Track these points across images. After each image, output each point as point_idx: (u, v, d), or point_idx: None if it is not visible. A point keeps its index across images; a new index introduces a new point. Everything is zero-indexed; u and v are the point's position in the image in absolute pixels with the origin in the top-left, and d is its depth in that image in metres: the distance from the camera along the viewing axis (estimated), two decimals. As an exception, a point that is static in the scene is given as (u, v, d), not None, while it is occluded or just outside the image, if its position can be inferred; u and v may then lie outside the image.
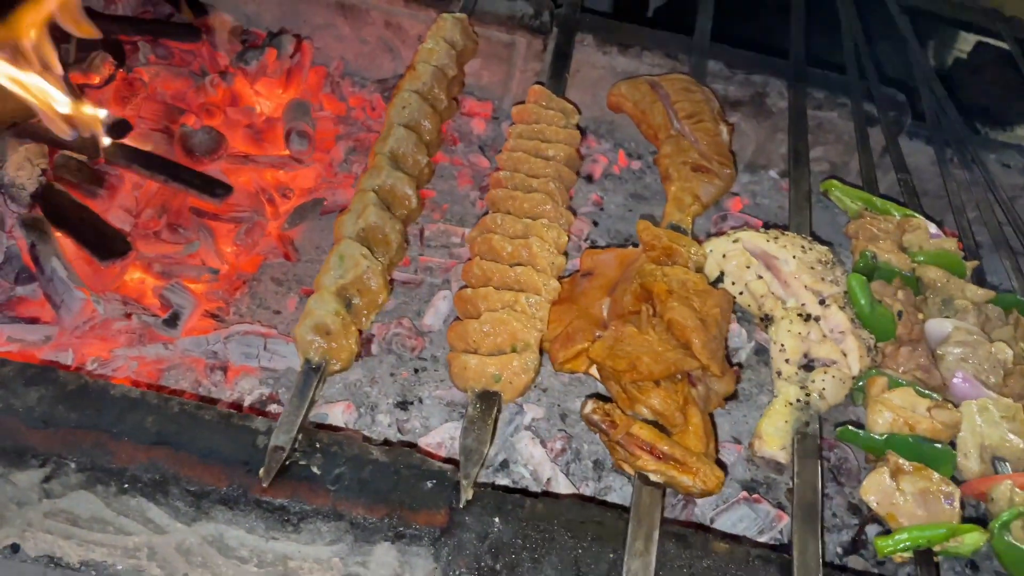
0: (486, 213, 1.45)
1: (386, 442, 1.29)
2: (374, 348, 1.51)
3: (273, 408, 1.39)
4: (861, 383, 1.33)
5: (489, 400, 1.16)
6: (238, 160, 1.64)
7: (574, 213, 1.49)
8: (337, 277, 1.19)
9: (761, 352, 1.68)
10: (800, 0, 2.22)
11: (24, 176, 1.37)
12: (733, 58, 2.02)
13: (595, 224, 1.90)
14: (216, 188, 1.52)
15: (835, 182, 1.68)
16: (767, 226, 1.92)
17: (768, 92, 2.01)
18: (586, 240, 1.82)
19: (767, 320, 1.40)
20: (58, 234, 1.36)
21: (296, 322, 1.26)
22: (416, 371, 1.51)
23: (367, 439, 1.21)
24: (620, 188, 2.04)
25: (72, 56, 1.53)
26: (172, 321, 1.40)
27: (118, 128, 1.42)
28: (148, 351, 1.38)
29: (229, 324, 1.50)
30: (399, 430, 1.41)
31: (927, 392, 1.30)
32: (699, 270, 1.45)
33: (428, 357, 1.54)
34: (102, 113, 1.40)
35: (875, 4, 2.55)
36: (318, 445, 1.05)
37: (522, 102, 1.69)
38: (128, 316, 1.37)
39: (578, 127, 1.70)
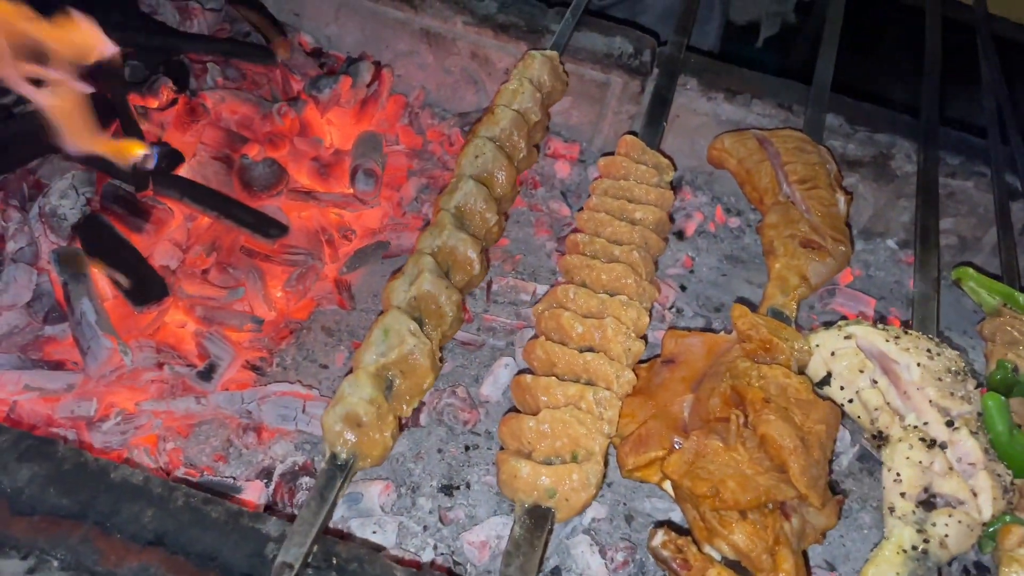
0: (558, 276, 1.29)
1: (416, 565, 1.12)
2: (423, 418, 1.36)
3: (305, 481, 1.25)
4: (993, 529, 1.10)
5: (540, 518, 0.99)
6: (299, 196, 1.52)
7: (658, 289, 1.31)
8: (379, 355, 1.04)
9: (866, 459, 1.45)
10: (935, 49, 1.97)
11: (67, 205, 1.28)
12: (855, 112, 1.80)
13: (682, 289, 1.70)
14: (270, 228, 1.40)
15: (970, 270, 1.44)
16: (880, 318, 1.70)
17: (893, 154, 1.78)
18: (671, 308, 1.63)
19: (880, 439, 1.18)
20: (95, 271, 1.26)
21: (343, 379, 1.12)
22: (467, 448, 1.35)
23: (396, 559, 1.05)
24: (715, 248, 1.83)
25: (136, 75, 1.44)
26: (207, 374, 1.28)
27: (170, 158, 1.32)
28: (178, 405, 1.26)
29: (269, 379, 1.37)
30: (440, 519, 1.25)
31: (1077, 550, 1.07)
32: (802, 369, 1.24)
33: (482, 432, 1.38)
34: (153, 143, 1.29)
35: None
36: (335, 561, 0.89)
37: (610, 153, 1.51)
38: (160, 366, 1.26)
39: (672, 182, 1.52)
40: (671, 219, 1.42)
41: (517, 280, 1.60)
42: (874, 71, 2.03)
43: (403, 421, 1.34)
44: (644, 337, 1.22)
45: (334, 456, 0.99)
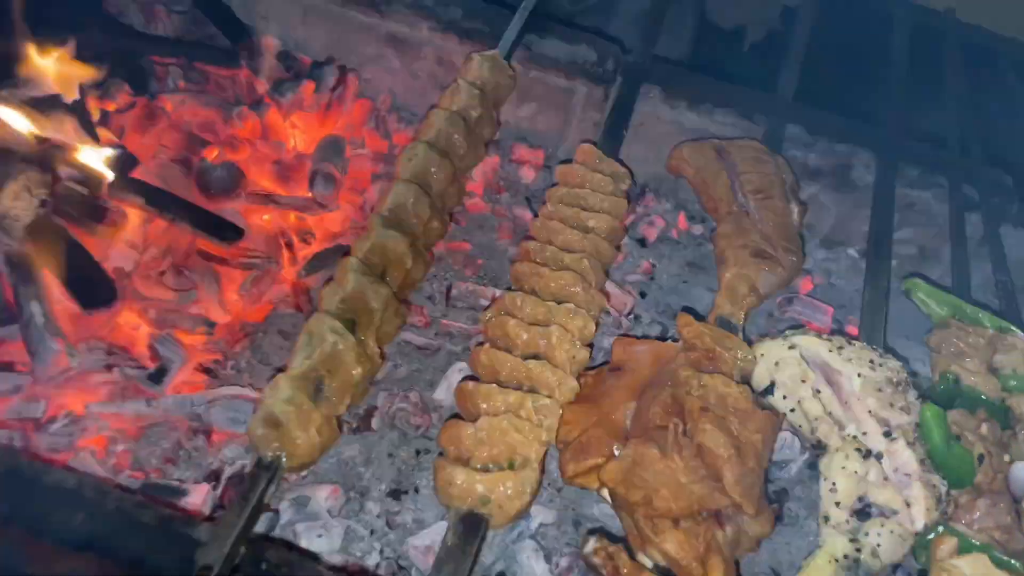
0: (520, 245, 1.30)
1: (359, 571, 1.13)
2: (375, 422, 1.37)
3: (253, 484, 1.26)
4: (927, 539, 1.11)
5: (473, 525, 1.00)
6: (258, 199, 1.53)
7: (607, 297, 1.32)
8: (303, 359, 1.05)
9: (815, 466, 1.46)
10: (901, 59, 1.99)
11: (20, 207, 1.28)
12: (816, 123, 1.81)
13: (642, 296, 1.72)
14: (226, 231, 1.41)
15: (919, 282, 1.46)
16: (836, 329, 1.71)
17: (853, 164, 1.79)
18: (628, 315, 1.65)
19: (819, 448, 1.20)
20: (47, 273, 1.27)
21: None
22: (418, 453, 1.36)
23: (331, 567, 1.06)
24: (677, 255, 1.85)
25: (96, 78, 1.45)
26: (158, 376, 1.29)
27: (124, 162, 1.32)
28: (127, 407, 1.27)
29: (222, 381, 1.38)
30: (388, 523, 1.26)
31: (1007, 560, 1.08)
32: (746, 379, 1.26)
33: (434, 437, 1.39)
34: (109, 145, 1.30)
35: (992, 67, 2.29)
36: (264, 566, 0.90)
37: (569, 160, 1.52)
38: (110, 368, 1.27)
39: (636, 185, 1.53)
40: (624, 229, 1.43)
41: (476, 285, 1.62)
42: (839, 87, 2.05)
43: (354, 425, 1.36)
44: (590, 345, 1.23)
45: (259, 460, 1.00)
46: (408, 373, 1.47)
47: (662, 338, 1.62)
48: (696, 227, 1.91)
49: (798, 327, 1.72)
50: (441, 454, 1.10)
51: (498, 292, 1.60)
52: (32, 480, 0.92)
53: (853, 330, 1.76)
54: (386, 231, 1.21)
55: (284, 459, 1.00)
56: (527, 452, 1.04)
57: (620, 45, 1.85)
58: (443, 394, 1.43)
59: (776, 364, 1.26)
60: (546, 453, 1.08)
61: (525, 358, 1.17)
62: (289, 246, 1.55)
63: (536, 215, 1.81)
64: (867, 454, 1.15)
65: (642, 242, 1.83)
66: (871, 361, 1.25)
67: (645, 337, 1.60)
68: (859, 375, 1.22)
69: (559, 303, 1.24)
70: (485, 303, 1.59)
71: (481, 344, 1.20)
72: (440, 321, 1.55)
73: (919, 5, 2.48)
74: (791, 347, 1.27)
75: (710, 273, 1.81)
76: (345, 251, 1.58)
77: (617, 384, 1.23)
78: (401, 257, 1.19)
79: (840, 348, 1.26)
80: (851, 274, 1.90)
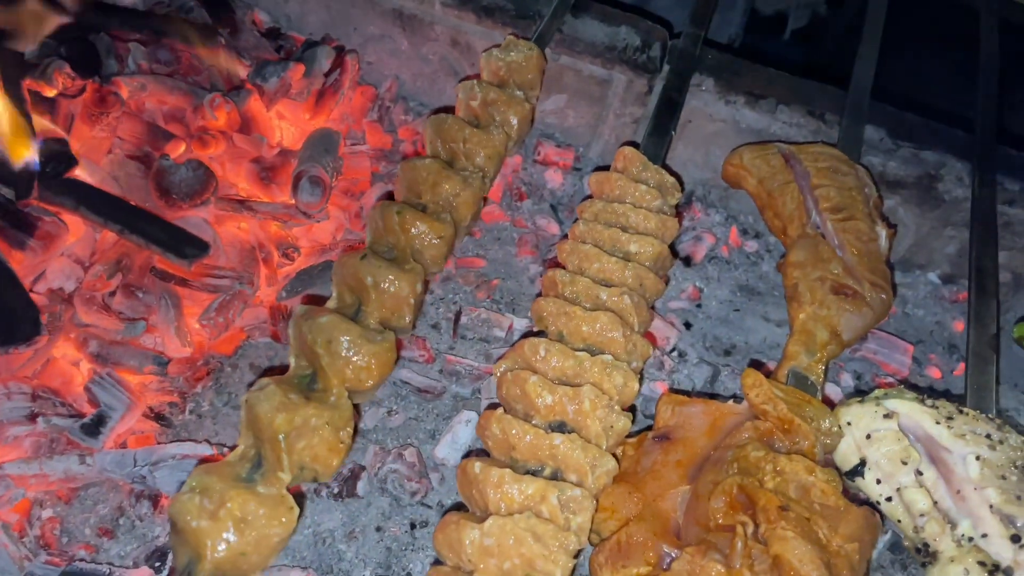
0: (545, 275, 1.04)
1: None
2: (361, 486, 1.12)
3: (206, 566, 1.01)
4: None
5: (475, 671, 0.74)
6: (230, 206, 1.27)
7: (654, 342, 1.06)
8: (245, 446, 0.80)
9: (899, 548, 1.20)
10: (993, 52, 1.69)
11: (-70, 214, 1.04)
12: (899, 125, 1.53)
13: (687, 327, 1.45)
14: (186, 246, 1.16)
15: (1037, 327, 1.19)
16: (922, 389, 1.43)
17: (942, 175, 1.51)
18: (672, 352, 1.38)
19: (926, 554, 0.93)
20: (-43, 298, 1.02)
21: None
22: (413, 526, 1.11)
23: None
24: (727, 276, 1.57)
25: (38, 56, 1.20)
26: (94, 427, 1.04)
27: (60, 160, 1.07)
28: (54, 466, 1.02)
29: (178, 429, 1.14)
30: (372, 622, 1.01)
31: None
32: (829, 453, 0.99)
33: (434, 504, 1.14)
34: (45, 139, 1.05)
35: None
36: None
37: (605, 167, 1.26)
38: (34, 418, 1.02)
39: (678, 204, 1.27)
40: (674, 252, 1.16)
41: (490, 312, 1.35)
42: (921, 73, 1.75)
43: (335, 490, 1.10)
44: (632, 408, 0.97)
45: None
46: (404, 421, 1.22)
47: (712, 380, 1.36)
48: (750, 243, 1.63)
49: (870, 368, 1.46)
50: (437, 562, 0.84)
51: (516, 321, 1.35)
52: None
53: (936, 372, 1.49)
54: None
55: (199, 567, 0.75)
56: (550, 568, 0.78)
57: (668, 27, 1.57)
58: (446, 450, 1.17)
59: (868, 437, 0.99)
60: (575, 566, 0.82)
61: (549, 428, 0.91)
62: (267, 262, 1.29)
63: (562, 225, 1.57)
64: (993, 569, 0.88)
65: (687, 261, 1.55)
66: (989, 436, 0.98)
67: (691, 381, 1.34)
68: (976, 457, 0.95)
69: (593, 353, 0.97)
70: (500, 334, 1.33)
71: (493, 407, 0.94)
72: (445, 356, 1.29)
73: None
74: (887, 415, 1.00)
75: (766, 299, 1.54)
76: (331, 268, 1.34)
77: (665, 459, 0.97)
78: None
79: (949, 419, 0.99)
80: (931, 303, 1.62)
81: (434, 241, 1.06)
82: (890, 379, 1.43)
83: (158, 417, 1.12)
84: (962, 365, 1.47)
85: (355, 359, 0.91)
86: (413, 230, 1.05)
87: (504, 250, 1.50)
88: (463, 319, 1.34)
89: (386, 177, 1.53)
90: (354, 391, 0.92)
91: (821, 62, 3.09)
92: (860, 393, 1.41)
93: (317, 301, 1.11)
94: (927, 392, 1.43)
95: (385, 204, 1.08)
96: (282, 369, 1.23)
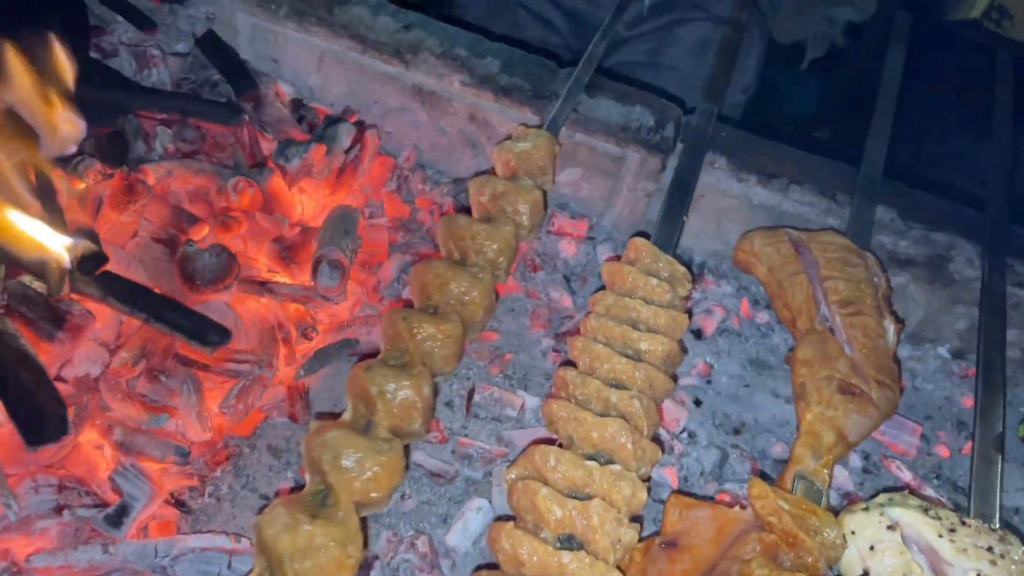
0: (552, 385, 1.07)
1: None
2: (374, 575, 1.15)
3: (225, 659, 1.04)
4: None
5: None
6: (252, 288, 1.31)
7: (662, 448, 1.08)
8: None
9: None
10: (1006, 129, 1.71)
11: (-36, 309, 1.08)
12: (910, 205, 1.54)
13: (697, 404, 1.47)
14: (209, 333, 1.19)
15: (1043, 427, 1.20)
16: (926, 444, 1.44)
17: (953, 256, 1.52)
18: (682, 433, 1.40)
19: (927, 673, 0.95)
20: (-11, 393, 1.06)
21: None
22: (425, 619, 1.14)
23: None
24: (738, 350, 1.59)
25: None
26: (117, 518, 1.08)
27: (91, 259, 1.11)
28: (79, 557, 1.06)
29: (198, 515, 1.17)
30: None
31: None
32: (833, 565, 1.01)
33: (444, 595, 1.17)
34: (72, 241, 1.09)
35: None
36: None
37: (617, 257, 1.28)
38: (60, 510, 1.06)
39: (693, 265, 1.29)
40: (683, 350, 1.19)
41: (503, 391, 1.38)
42: (937, 159, 1.77)
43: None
44: (639, 517, 1.00)
45: None
46: (417, 506, 1.24)
47: (721, 464, 1.38)
48: (761, 314, 1.65)
49: (878, 448, 1.47)
50: None
51: (528, 399, 1.37)
52: None
53: (944, 451, 1.50)
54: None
55: None
56: None
57: (680, 104, 1.59)
58: (457, 538, 1.20)
59: (871, 549, 1.01)
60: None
61: (558, 541, 0.93)
62: (287, 341, 1.33)
63: (574, 295, 1.59)
64: None
65: (698, 334, 1.57)
66: (990, 550, 1.00)
67: (700, 464, 1.36)
68: (978, 574, 0.97)
69: (602, 460, 1.00)
70: (512, 413, 1.36)
71: (503, 520, 0.96)
72: (458, 439, 1.31)
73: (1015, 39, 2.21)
74: (890, 527, 1.02)
75: (776, 373, 1.55)
76: (352, 346, 1.37)
77: (671, 568, 0.99)
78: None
79: (951, 531, 1.01)
80: (940, 377, 1.63)
81: (442, 342, 1.09)
82: (898, 461, 1.44)
83: (178, 503, 1.15)
84: (970, 444, 1.49)
85: (360, 472, 0.94)
86: (420, 334, 1.08)
87: (518, 322, 1.53)
88: (476, 397, 1.36)
89: (403, 247, 1.56)
90: (364, 504, 0.95)
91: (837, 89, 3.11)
92: (867, 474, 1.43)
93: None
94: (936, 472, 1.46)
95: (392, 311, 1.11)
96: (299, 454, 1.28)
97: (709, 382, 1.52)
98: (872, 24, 2.81)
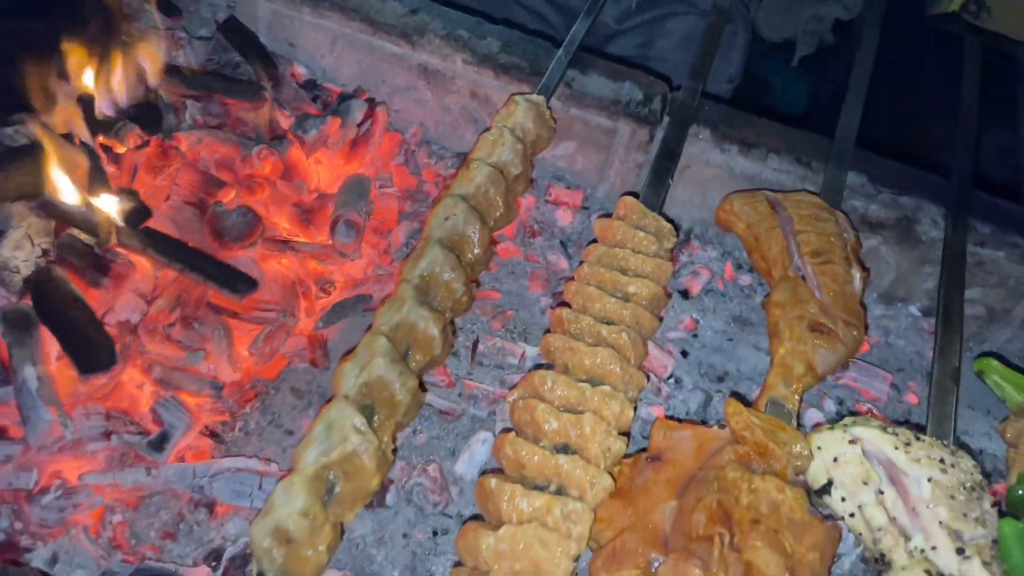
0: (553, 313, 1.19)
1: None
2: (389, 497, 1.27)
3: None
4: None
5: (490, 653, 0.89)
6: (275, 246, 1.43)
7: (647, 377, 1.20)
8: (320, 454, 0.95)
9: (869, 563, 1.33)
10: (972, 103, 1.83)
11: (21, 257, 1.20)
12: (880, 171, 1.67)
13: (684, 355, 1.59)
14: (239, 283, 1.32)
15: (994, 362, 1.33)
16: (898, 420, 1.56)
17: (919, 218, 1.65)
18: (669, 379, 1.52)
19: (882, 563, 1.07)
20: (44, 331, 1.18)
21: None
22: (435, 533, 1.25)
23: None
24: (722, 308, 1.72)
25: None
26: (159, 444, 1.20)
27: (136, 215, 1.24)
28: (125, 477, 1.18)
29: (229, 446, 1.29)
30: (400, 617, 1.16)
31: None
32: (801, 474, 1.13)
33: (454, 515, 1.28)
34: (122, 190, 1.22)
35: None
36: None
37: (608, 214, 1.41)
38: (108, 435, 1.18)
39: (680, 231, 1.40)
40: (668, 294, 1.31)
41: (505, 341, 1.50)
42: (908, 120, 1.89)
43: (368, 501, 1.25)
44: (627, 433, 1.12)
45: (261, 574, 0.90)
46: (427, 440, 1.37)
47: (705, 405, 1.50)
48: (744, 277, 1.78)
49: (852, 395, 1.60)
50: (458, 562, 0.99)
51: (528, 349, 1.49)
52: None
53: (913, 398, 1.62)
54: (418, 308, 1.10)
55: (286, 578, 0.89)
56: (553, 570, 0.92)
57: (667, 82, 1.72)
58: (464, 467, 1.32)
59: (835, 460, 1.13)
60: (576, 569, 0.97)
61: (555, 449, 1.05)
62: (306, 295, 1.45)
63: (571, 260, 1.72)
64: (938, 576, 1.02)
65: (685, 294, 1.70)
66: (942, 461, 1.12)
67: (686, 406, 1.48)
68: (929, 479, 1.09)
69: (594, 384, 1.12)
70: (513, 361, 1.48)
71: (506, 431, 1.09)
72: (464, 381, 1.44)
73: (991, 31, 2.33)
74: (852, 441, 1.14)
75: (758, 329, 1.68)
76: (366, 301, 1.50)
77: (656, 478, 1.11)
78: (432, 339, 1.09)
79: (907, 445, 1.13)
80: (911, 334, 1.76)
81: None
82: (869, 405, 1.56)
83: (212, 435, 1.27)
84: (938, 392, 1.61)
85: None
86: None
87: (518, 283, 1.65)
88: (480, 347, 1.49)
89: (412, 215, 1.69)
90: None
91: (827, 86, 3.22)
92: (841, 418, 1.55)
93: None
94: (905, 418, 1.58)
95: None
96: (319, 395, 1.40)
97: (695, 336, 1.64)
98: (871, 39, 2.95)
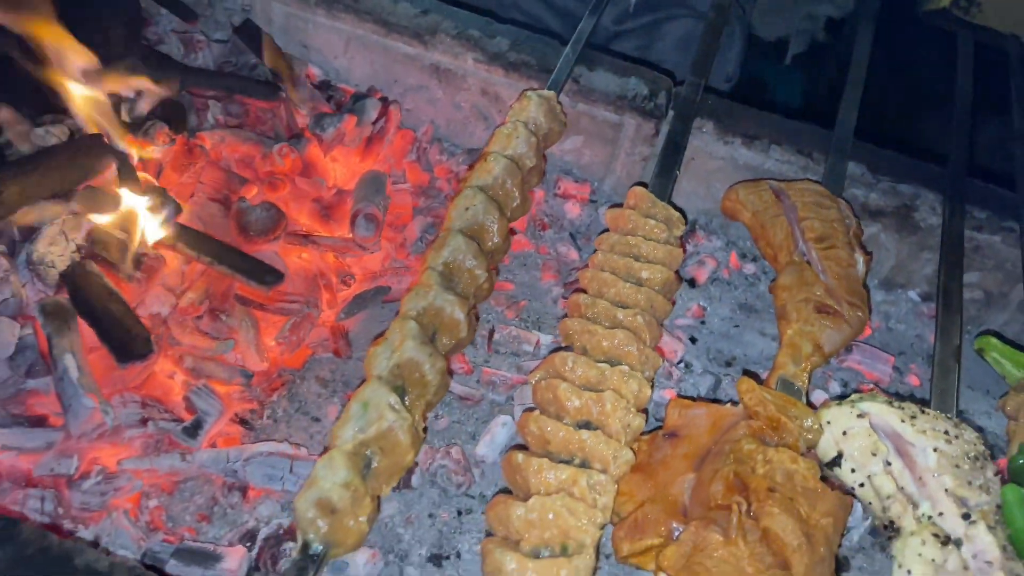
0: (565, 315, 1.23)
1: None
2: (415, 479, 1.31)
3: (289, 546, 1.21)
4: (1010, 634, 1.03)
5: (524, 616, 0.93)
6: (298, 240, 1.48)
7: (662, 355, 1.25)
8: (357, 431, 1.00)
9: (877, 533, 1.38)
10: (966, 93, 1.89)
11: (56, 252, 1.25)
12: (878, 161, 1.72)
13: (692, 341, 1.64)
14: (265, 275, 1.36)
15: (993, 340, 1.38)
16: (900, 396, 1.62)
17: (917, 205, 1.70)
18: (679, 364, 1.57)
19: (891, 530, 1.12)
20: (81, 322, 1.23)
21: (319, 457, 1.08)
22: (459, 513, 1.30)
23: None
24: (728, 296, 1.77)
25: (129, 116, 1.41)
26: (193, 430, 1.24)
27: (168, 209, 1.28)
28: (162, 463, 1.22)
29: (259, 433, 1.33)
30: (429, 592, 1.20)
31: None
32: (811, 448, 1.18)
33: (476, 495, 1.33)
34: (150, 190, 1.26)
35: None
36: (303, 664, 0.85)
37: (619, 204, 1.46)
38: (144, 422, 1.22)
39: (683, 236, 1.46)
40: (679, 279, 1.36)
41: (520, 330, 1.55)
42: (905, 111, 1.95)
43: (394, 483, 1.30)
44: (645, 410, 1.17)
45: (306, 545, 0.94)
46: (449, 425, 1.41)
47: (715, 388, 1.55)
48: (748, 266, 1.83)
49: (855, 377, 1.65)
50: (488, 533, 1.04)
51: (542, 337, 1.54)
52: (62, 561, 0.88)
53: (915, 380, 1.68)
54: (444, 293, 1.15)
55: (331, 549, 0.94)
56: (582, 537, 0.97)
57: (671, 77, 1.77)
58: (485, 448, 1.36)
59: (844, 434, 1.18)
60: (601, 536, 1.01)
61: (577, 426, 1.10)
62: (328, 287, 1.49)
63: (580, 251, 1.77)
64: (946, 540, 1.07)
65: (692, 283, 1.75)
66: (946, 432, 1.17)
67: (696, 389, 1.53)
68: (935, 449, 1.14)
69: (612, 364, 1.17)
70: (528, 348, 1.53)
71: (529, 410, 1.13)
72: (482, 368, 1.48)
73: (982, 26, 2.39)
74: (860, 415, 1.19)
75: (763, 316, 1.73)
76: (385, 292, 1.54)
77: (674, 453, 1.16)
78: (457, 323, 1.13)
79: (913, 418, 1.18)
80: (912, 318, 1.81)
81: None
82: (873, 386, 1.62)
83: (242, 422, 1.32)
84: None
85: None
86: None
87: (530, 274, 1.70)
88: (496, 336, 1.53)
89: (425, 211, 1.74)
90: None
91: (821, 84, 3.28)
92: (844, 397, 1.60)
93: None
94: (907, 397, 1.63)
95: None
96: (343, 383, 1.45)
97: (703, 323, 1.69)
98: (867, 35, 3.02)
